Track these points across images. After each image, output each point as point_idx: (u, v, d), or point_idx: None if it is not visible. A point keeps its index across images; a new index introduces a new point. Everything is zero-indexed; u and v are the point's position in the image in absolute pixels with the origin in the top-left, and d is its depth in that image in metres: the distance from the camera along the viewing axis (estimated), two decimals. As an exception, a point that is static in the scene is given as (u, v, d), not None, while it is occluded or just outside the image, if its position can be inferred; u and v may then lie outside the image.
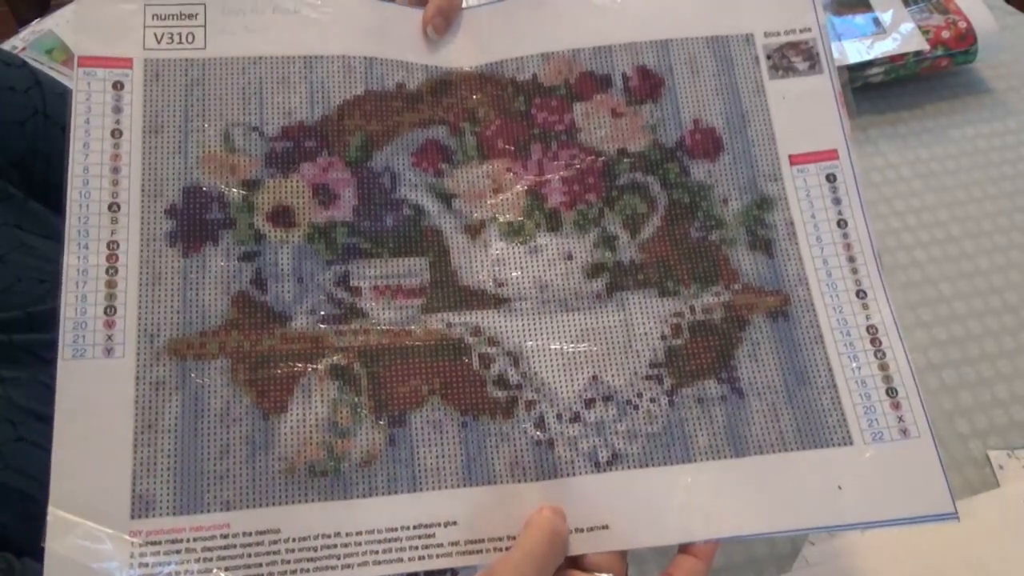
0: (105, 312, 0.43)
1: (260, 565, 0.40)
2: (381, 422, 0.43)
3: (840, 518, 0.42)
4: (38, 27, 0.99)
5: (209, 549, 0.40)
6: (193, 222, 0.45)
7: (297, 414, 0.42)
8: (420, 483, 0.42)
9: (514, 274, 0.46)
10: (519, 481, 0.42)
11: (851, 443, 0.43)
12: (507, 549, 0.41)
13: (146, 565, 0.39)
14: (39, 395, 0.56)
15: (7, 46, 0.96)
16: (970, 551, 0.57)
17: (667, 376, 0.44)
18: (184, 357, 0.43)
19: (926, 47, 0.85)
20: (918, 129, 0.86)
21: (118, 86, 0.46)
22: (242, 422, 0.42)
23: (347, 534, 0.41)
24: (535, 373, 0.44)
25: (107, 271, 0.43)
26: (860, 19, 0.87)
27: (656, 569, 0.57)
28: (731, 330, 0.45)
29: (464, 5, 0.51)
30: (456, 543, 0.41)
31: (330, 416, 0.42)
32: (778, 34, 0.50)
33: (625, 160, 0.48)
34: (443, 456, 0.42)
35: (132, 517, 0.40)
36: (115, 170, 0.44)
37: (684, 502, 0.42)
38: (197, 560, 0.40)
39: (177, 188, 0.45)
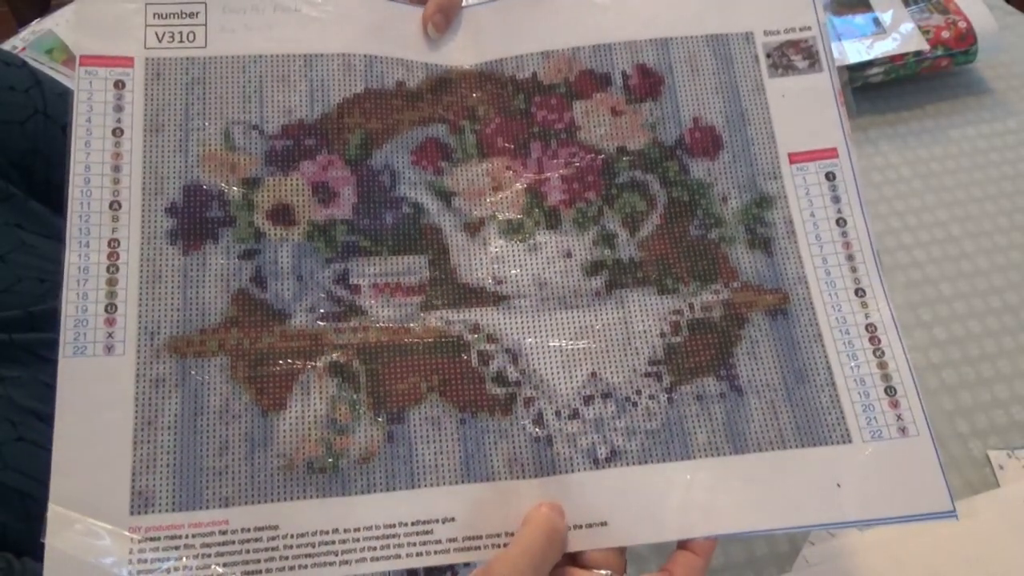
0: (106, 310, 0.43)
1: (258, 561, 0.40)
2: (380, 419, 0.43)
3: (839, 515, 0.42)
4: (38, 27, 0.99)
5: (207, 545, 0.40)
6: (193, 220, 0.45)
7: (296, 411, 0.43)
8: (418, 480, 0.42)
9: (513, 272, 0.46)
10: (517, 478, 0.42)
11: (850, 441, 0.43)
12: (505, 546, 0.41)
13: (144, 561, 0.39)
14: (39, 394, 0.56)
15: (7, 46, 0.96)
16: (970, 551, 0.57)
17: (666, 373, 0.44)
18: (184, 355, 0.43)
19: (926, 47, 0.85)
20: (918, 129, 0.86)
21: (119, 85, 0.46)
22: (241, 419, 0.42)
23: (345, 530, 0.41)
24: (534, 370, 0.44)
25: (108, 269, 0.43)
26: (860, 19, 0.87)
27: (655, 566, 0.57)
28: (730, 328, 0.46)
29: (464, 3, 0.51)
30: (454, 539, 0.41)
31: (329, 413, 0.43)
32: (778, 32, 0.50)
33: (624, 158, 0.48)
34: (441, 453, 0.43)
35: (131, 513, 0.40)
36: (116, 168, 0.45)
37: (683, 499, 0.42)
38: (195, 556, 0.40)
39: (178, 186, 0.45)
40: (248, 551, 0.40)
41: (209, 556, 0.40)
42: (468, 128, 0.48)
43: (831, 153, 0.48)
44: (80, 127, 0.45)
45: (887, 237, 0.77)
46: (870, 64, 0.85)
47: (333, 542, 0.41)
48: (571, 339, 0.45)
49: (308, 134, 0.47)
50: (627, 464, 0.43)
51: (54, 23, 0.99)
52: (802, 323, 0.46)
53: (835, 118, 0.49)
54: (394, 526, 0.41)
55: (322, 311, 0.44)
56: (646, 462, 0.43)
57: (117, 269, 0.43)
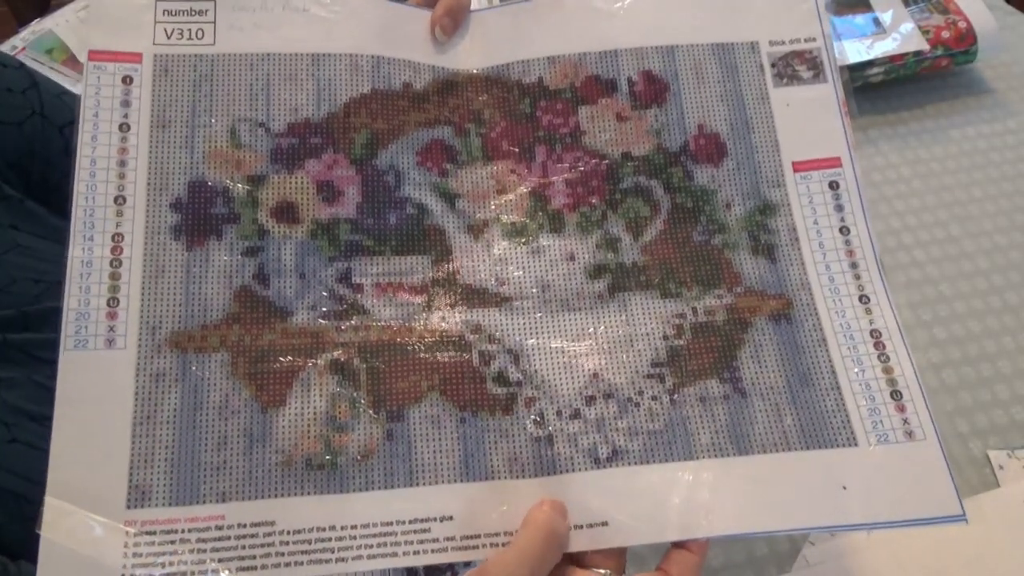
0: (108, 304, 0.43)
1: (254, 557, 0.40)
2: (379, 417, 0.43)
3: (845, 518, 0.42)
4: (38, 27, 0.99)
5: (203, 540, 0.40)
6: (197, 216, 0.45)
7: (295, 408, 0.43)
8: (417, 478, 0.42)
9: (516, 273, 0.46)
10: (517, 477, 0.42)
11: (856, 444, 0.43)
12: (503, 545, 0.41)
13: (140, 555, 0.39)
14: (33, 395, 0.56)
15: (7, 46, 0.96)
16: (970, 551, 0.57)
17: (669, 375, 0.44)
18: (185, 350, 0.43)
19: (926, 47, 0.85)
20: (918, 129, 0.86)
21: (127, 80, 0.46)
22: (240, 415, 0.42)
23: (342, 527, 0.41)
24: (535, 371, 0.44)
25: (111, 263, 0.44)
26: (860, 19, 0.87)
27: (655, 566, 0.57)
28: (733, 332, 0.46)
29: (472, 7, 0.51)
30: (452, 538, 0.41)
31: (328, 410, 0.43)
32: (783, 43, 0.51)
33: (629, 164, 0.49)
34: (440, 451, 0.43)
35: (128, 507, 0.40)
36: (122, 163, 0.45)
37: (685, 499, 0.42)
38: (191, 551, 0.40)
39: (183, 182, 0.45)
40: (244, 547, 0.40)
41: (205, 551, 0.40)
42: (473, 131, 0.49)
43: (835, 162, 0.49)
44: (87, 122, 0.45)
45: (887, 237, 0.77)
46: (870, 64, 0.85)
47: (330, 539, 0.40)
48: (573, 340, 0.45)
49: (314, 133, 0.47)
50: (629, 464, 0.43)
51: (54, 23, 0.99)
52: (806, 328, 0.46)
53: (839, 128, 0.49)
54: (391, 524, 0.41)
55: (324, 309, 0.45)
56: (648, 462, 0.43)
57: (120, 263, 0.44)
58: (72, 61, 0.95)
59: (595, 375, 0.44)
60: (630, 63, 0.50)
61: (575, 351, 0.45)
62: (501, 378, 0.44)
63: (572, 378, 0.44)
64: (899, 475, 0.43)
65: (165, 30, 0.47)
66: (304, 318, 0.44)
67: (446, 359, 0.44)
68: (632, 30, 0.51)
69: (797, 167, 0.49)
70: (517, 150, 0.48)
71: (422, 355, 0.44)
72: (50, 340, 0.42)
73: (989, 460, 0.62)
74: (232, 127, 0.46)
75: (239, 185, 0.46)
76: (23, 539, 0.48)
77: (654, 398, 0.44)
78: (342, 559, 0.40)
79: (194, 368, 0.43)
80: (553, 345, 0.45)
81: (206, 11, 0.48)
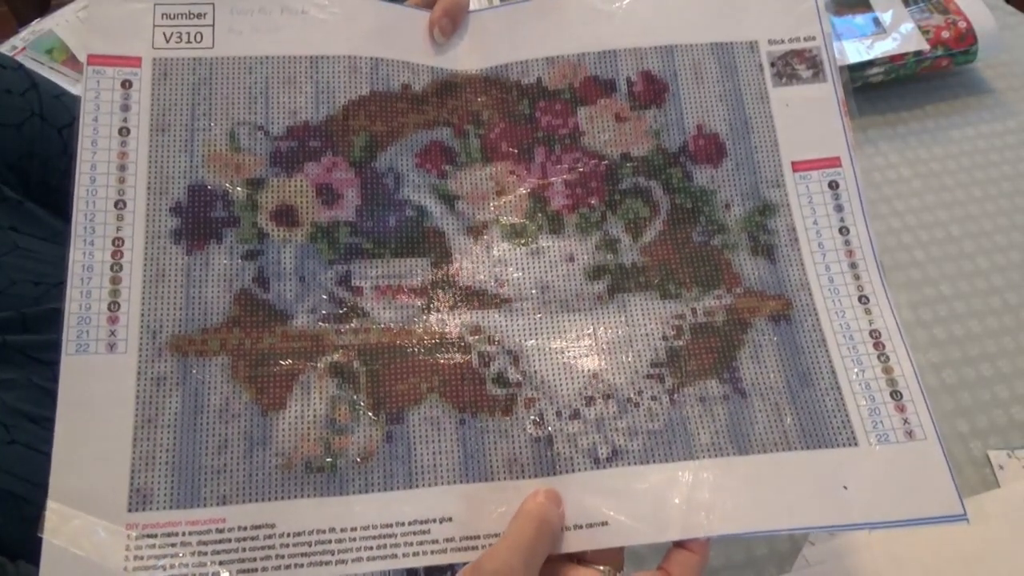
0: (109, 308, 0.43)
1: (254, 559, 0.40)
2: (379, 419, 0.43)
3: (845, 518, 0.42)
4: (38, 27, 0.99)
5: (204, 543, 0.40)
6: (197, 220, 0.45)
7: (295, 411, 0.43)
8: (416, 480, 0.42)
9: (515, 275, 0.46)
10: (517, 478, 0.42)
11: (856, 444, 0.43)
12: None
13: (141, 558, 0.39)
14: (32, 397, 0.56)
15: (7, 46, 0.96)
16: (970, 551, 0.57)
17: (668, 375, 0.45)
18: (186, 354, 0.43)
19: (926, 47, 0.85)
20: (918, 129, 0.86)
21: (126, 84, 0.46)
22: (241, 418, 0.42)
23: (342, 530, 0.41)
24: (535, 371, 0.44)
25: (112, 268, 0.44)
26: (860, 19, 0.87)
27: (654, 565, 0.57)
28: (733, 332, 0.46)
29: (470, 8, 0.51)
30: (451, 539, 0.41)
31: (328, 413, 0.43)
32: (782, 42, 0.51)
33: (628, 164, 0.49)
34: (440, 453, 0.43)
35: (129, 510, 0.40)
36: (122, 168, 0.45)
37: (686, 498, 0.42)
38: (192, 553, 0.40)
39: (182, 186, 0.45)
40: (244, 549, 0.40)
41: (205, 554, 0.40)
42: (472, 132, 0.49)
43: (834, 162, 0.48)
44: (87, 126, 0.45)
45: (887, 237, 0.77)
46: (870, 64, 0.85)
47: (330, 541, 0.41)
48: (572, 341, 0.45)
49: (313, 136, 0.47)
50: (628, 464, 0.43)
51: (54, 23, 0.99)
52: (805, 328, 0.46)
53: (838, 127, 0.49)
54: (391, 526, 0.41)
55: (324, 312, 0.45)
56: (648, 462, 0.43)
57: (121, 268, 0.44)
58: (72, 61, 0.95)
59: (594, 375, 0.44)
60: (629, 63, 0.50)
61: (575, 352, 0.45)
62: (501, 379, 0.44)
63: (571, 379, 0.44)
64: (900, 475, 0.43)
65: (164, 34, 0.47)
66: (304, 321, 0.45)
67: (445, 361, 0.44)
68: (631, 30, 0.51)
69: (796, 167, 0.49)
70: (516, 151, 0.49)
71: (422, 357, 0.44)
72: (50, 342, 0.42)
73: (989, 460, 0.62)
74: (231, 130, 0.47)
75: (238, 189, 0.46)
76: (23, 540, 0.48)
77: (654, 398, 0.44)
78: (342, 561, 0.40)
79: (195, 372, 0.43)
80: (552, 346, 0.45)
81: (204, 15, 0.48)
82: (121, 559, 0.39)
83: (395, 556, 0.41)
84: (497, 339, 0.45)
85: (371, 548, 0.41)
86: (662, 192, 0.48)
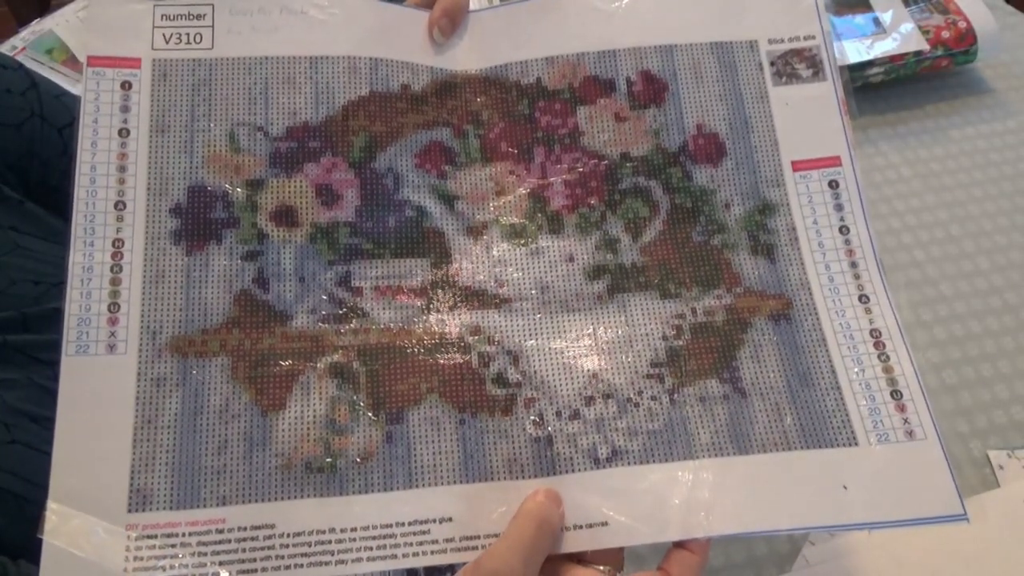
0: (109, 309, 0.43)
1: (254, 560, 0.40)
2: (379, 419, 0.43)
3: (846, 517, 0.42)
4: (38, 27, 0.99)
5: (204, 543, 0.40)
6: (197, 221, 0.45)
7: (295, 411, 0.43)
8: (416, 480, 0.42)
9: (515, 275, 0.46)
10: (516, 478, 0.42)
11: (856, 444, 0.43)
12: None
13: (141, 559, 0.40)
14: (33, 397, 0.56)
15: (7, 46, 0.96)
16: (970, 551, 0.57)
17: (668, 375, 0.45)
18: (185, 354, 0.43)
19: (926, 47, 0.85)
20: (918, 129, 0.86)
21: (126, 86, 0.46)
22: (240, 418, 0.43)
23: (342, 530, 0.41)
24: (535, 371, 0.44)
25: (112, 268, 0.44)
26: (860, 19, 0.87)
27: (654, 566, 0.57)
28: (733, 332, 0.46)
29: (470, 8, 0.51)
30: (451, 540, 0.41)
31: (328, 413, 0.43)
32: (782, 41, 0.51)
33: (628, 164, 0.49)
34: (440, 453, 0.43)
35: (129, 511, 0.41)
36: (122, 169, 0.45)
37: (685, 498, 0.42)
38: (192, 554, 0.40)
39: (182, 187, 0.46)
40: (244, 550, 0.40)
41: (205, 555, 0.40)
42: (472, 132, 0.49)
43: (834, 161, 0.49)
44: (87, 127, 0.45)
45: (887, 237, 0.77)
46: (870, 64, 0.85)
47: (329, 541, 0.41)
48: (572, 341, 0.45)
49: (312, 136, 0.47)
50: (628, 464, 0.43)
51: (54, 23, 0.99)
52: (805, 328, 0.46)
53: (838, 126, 0.49)
54: (391, 526, 0.41)
55: (323, 313, 0.45)
56: (648, 462, 0.43)
57: (121, 269, 0.44)
58: (72, 61, 0.95)
59: (594, 375, 0.44)
60: (628, 63, 0.50)
61: (574, 352, 0.45)
62: (500, 379, 0.44)
63: (571, 379, 0.44)
64: (900, 474, 0.43)
65: (164, 35, 0.47)
66: (304, 322, 0.45)
67: (445, 361, 0.45)
68: (630, 29, 0.51)
69: (796, 166, 0.49)
70: (516, 151, 0.49)
71: (421, 357, 0.45)
72: (50, 341, 0.42)
73: (989, 460, 0.62)
74: (231, 131, 0.47)
75: (238, 189, 0.46)
76: (23, 539, 0.48)
77: (653, 398, 0.44)
78: (341, 561, 0.40)
79: (194, 372, 0.43)
80: (552, 346, 0.45)
81: (204, 15, 0.48)
82: (121, 560, 0.39)
83: (395, 556, 0.41)
84: (497, 339, 0.45)
85: (371, 548, 0.41)
86: (662, 192, 0.48)
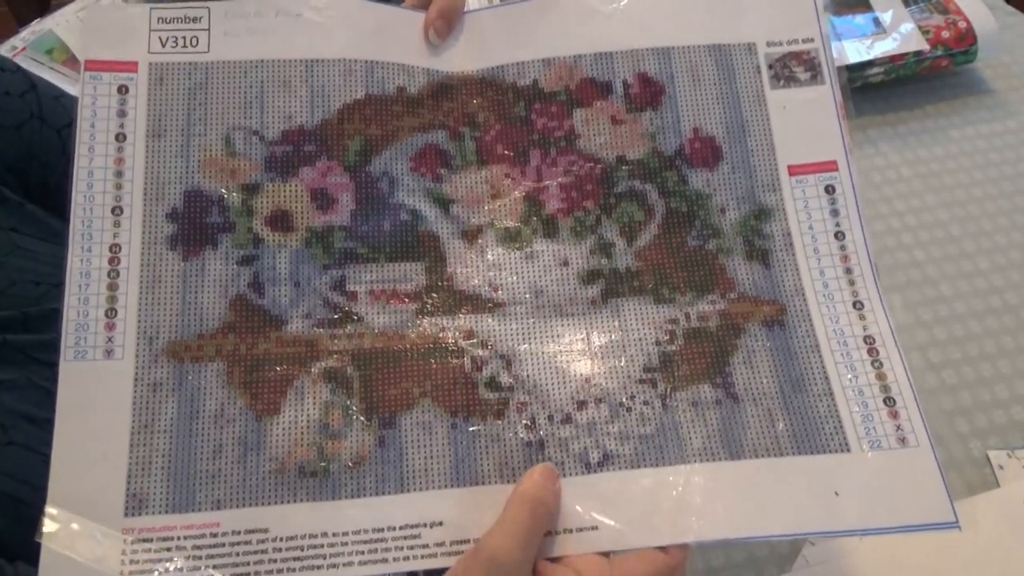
0: (106, 315, 0.44)
1: (248, 564, 0.41)
2: (371, 424, 0.43)
3: (837, 524, 0.42)
4: (38, 27, 0.99)
5: (199, 547, 0.41)
6: (193, 226, 0.46)
7: (289, 416, 0.43)
8: (408, 484, 0.42)
9: (510, 279, 0.47)
10: (508, 482, 0.42)
11: (848, 450, 0.43)
12: None
13: (137, 562, 0.40)
14: (32, 398, 0.56)
15: (7, 46, 0.96)
16: (970, 551, 0.57)
17: (661, 380, 0.45)
18: (181, 359, 0.44)
19: (926, 47, 0.85)
20: (918, 129, 0.86)
21: (123, 90, 0.47)
22: (235, 423, 0.43)
23: (334, 534, 0.41)
24: (527, 376, 0.45)
25: (108, 274, 0.44)
26: (860, 19, 0.87)
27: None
28: (726, 337, 0.46)
29: (466, 8, 0.51)
30: (442, 544, 0.41)
31: (321, 418, 0.43)
32: (780, 44, 0.50)
33: (624, 167, 0.49)
34: (432, 457, 0.43)
35: (126, 515, 0.41)
36: (119, 174, 0.46)
37: (676, 503, 0.42)
38: (187, 558, 0.40)
39: (178, 192, 0.46)
40: (238, 553, 0.41)
41: (200, 558, 0.40)
42: (468, 135, 0.49)
43: (831, 166, 0.48)
44: (84, 132, 0.46)
45: (887, 237, 0.77)
46: (870, 64, 0.85)
47: (322, 545, 0.41)
48: (566, 345, 0.45)
49: (308, 140, 0.47)
50: (619, 468, 0.43)
51: (54, 23, 0.99)
52: (799, 334, 0.46)
53: (836, 131, 0.49)
54: (382, 530, 0.41)
55: (318, 317, 0.45)
56: (639, 466, 0.43)
57: (118, 274, 0.44)
58: (72, 61, 0.95)
59: (587, 380, 0.44)
60: (625, 65, 0.50)
61: (567, 356, 0.45)
62: (493, 383, 0.44)
63: (564, 383, 0.44)
64: (892, 481, 0.43)
65: (160, 38, 0.47)
66: (298, 327, 0.45)
67: (438, 365, 0.45)
68: (628, 31, 0.51)
69: (793, 171, 0.48)
70: (511, 154, 0.49)
71: (414, 362, 0.45)
72: (50, 341, 0.42)
73: (989, 460, 0.62)
74: (227, 136, 0.47)
75: (234, 194, 0.46)
76: (21, 541, 0.48)
77: (646, 403, 0.44)
78: (333, 565, 0.41)
79: (190, 378, 0.43)
80: (545, 350, 0.45)
81: (200, 18, 0.48)
82: (117, 563, 0.40)
83: (385, 560, 0.41)
84: (490, 343, 0.45)
85: (362, 552, 0.41)
86: (657, 196, 0.48)
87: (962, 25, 0.86)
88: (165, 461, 0.42)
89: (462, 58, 0.50)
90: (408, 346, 0.45)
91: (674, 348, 0.45)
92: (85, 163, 0.45)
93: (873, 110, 0.88)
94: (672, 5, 0.51)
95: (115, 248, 0.44)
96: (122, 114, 0.46)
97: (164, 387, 0.43)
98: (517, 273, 0.47)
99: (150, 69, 0.47)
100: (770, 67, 0.50)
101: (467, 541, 0.41)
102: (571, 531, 0.41)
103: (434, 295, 0.46)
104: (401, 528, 0.41)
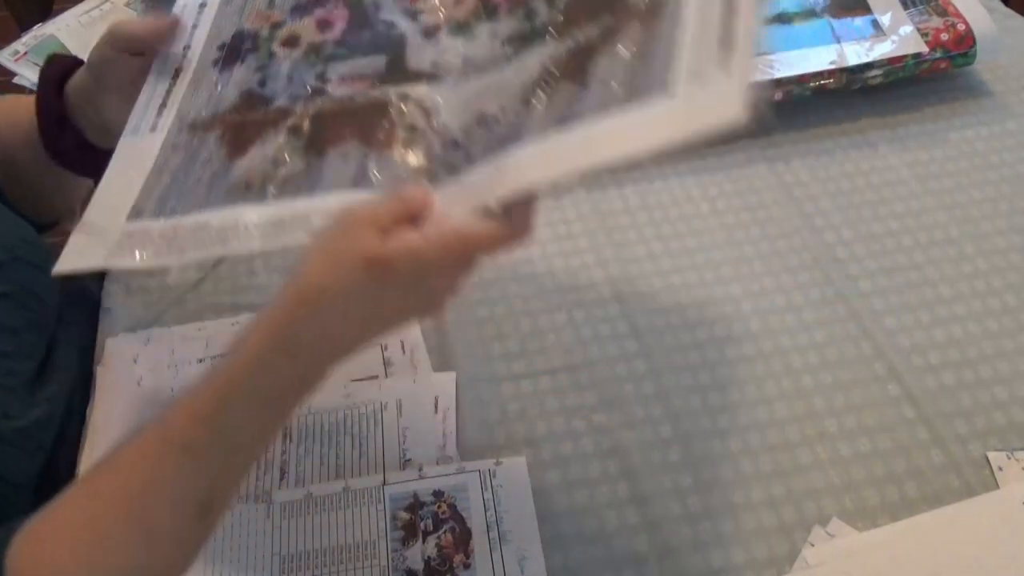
0: (160, 104, 0.61)
1: (193, 245, 0.52)
2: (307, 156, 0.53)
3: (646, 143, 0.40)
4: (40, 32, 1.00)
5: (165, 237, 0.54)
6: (233, 51, 0.61)
7: (252, 156, 0.55)
8: (317, 192, 0.51)
9: (452, 60, 0.54)
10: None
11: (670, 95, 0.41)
12: None
13: (124, 247, 0.54)
14: None
15: (9, 51, 0.96)
16: (970, 552, 0.58)
17: (535, 96, 0.46)
18: (196, 130, 0.58)
19: (925, 49, 0.85)
20: (917, 131, 0.86)
21: None
22: (213, 163, 0.56)
23: (246, 224, 0.52)
24: (441, 122, 0.51)
25: (169, 83, 0.61)
26: (859, 21, 0.87)
27: (656, 570, 0.58)
28: (602, 44, 0.46)
29: None
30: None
31: (275, 156, 0.54)
32: None
33: None
34: (342, 175, 0.51)
35: (127, 220, 0.56)
36: (195, 27, 0.63)
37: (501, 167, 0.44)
38: (158, 243, 0.54)
39: (230, 33, 0.62)
40: (190, 239, 0.53)
41: (166, 244, 0.53)
42: None
43: None
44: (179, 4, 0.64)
45: (886, 239, 0.77)
46: (869, 66, 0.85)
47: (237, 229, 0.52)
48: (473, 93, 0.51)
49: None
50: (479, 163, 0.46)
51: (56, 28, 1.00)
52: (666, 32, 0.44)
53: None
54: (283, 220, 0.51)
55: (298, 96, 0.56)
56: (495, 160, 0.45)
57: (175, 84, 0.61)
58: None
59: (481, 113, 0.49)
60: None
61: (469, 96, 0.51)
62: (410, 127, 0.52)
63: (461, 118, 0.50)
64: (701, 103, 0.40)
65: None
66: (282, 102, 0.57)
67: (373, 116, 0.53)
68: None
69: None
70: None
71: (357, 116, 0.54)
72: None
73: (988, 462, 0.62)
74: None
75: (264, 31, 0.61)
76: None
77: (516, 114, 0.47)
78: (245, 242, 0.51)
79: (197, 142, 0.57)
80: (456, 98, 0.51)
81: None
82: (111, 254, 0.54)
83: (282, 239, 0.50)
84: (416, 99, 0.53)
85: (267, 236, 0.51)
86: None
87: (960, 27, 0.86)
88: (161, 191, 0.56)
89: None
90: (355, 107, 0.55)
91: (557, 70, 0.47)
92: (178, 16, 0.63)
93: (872, 112, 0.88)
94: None
95: (178, 71, 0.62)
96: None
97: (180, 148, 0.58)
98: (458, 54, 0.54)
99: None
100: None
101: None
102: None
103: (389, 75, 0.55)
104: (299, 216, 0.51)
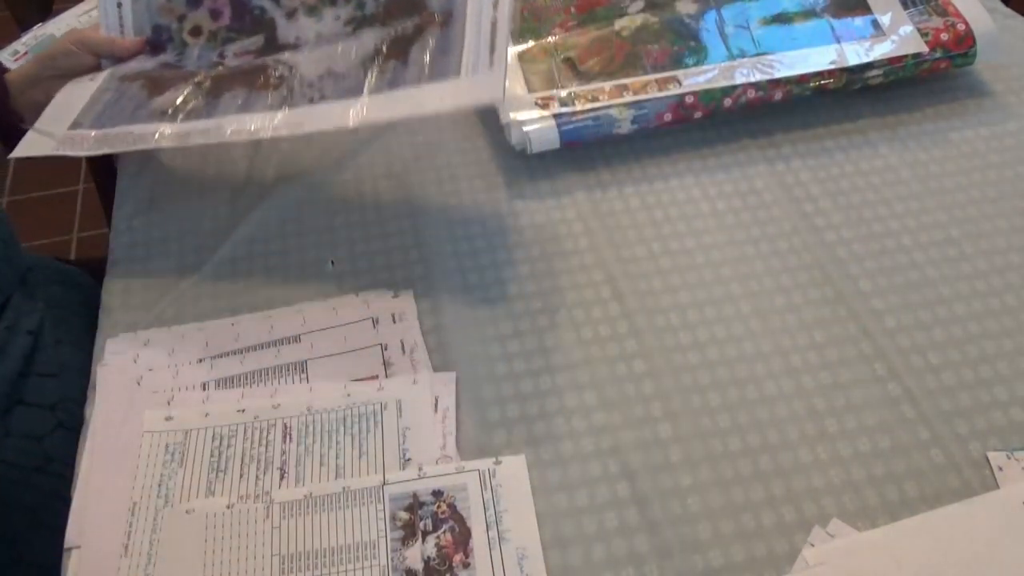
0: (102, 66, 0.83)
1: (114, 145, 0.75)
2: (207, 98, 0.75)
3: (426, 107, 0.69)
4: (40, 32, 1.00)
5: (98, 141, 0.75)
6: (156, 43, 0.83)
7: (166, 96, 0.76)
8: (212, 117, 0.73)
9: (308, 34, 0.79)
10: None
11: (459, 75, 0.68)
12: None
13: (66, 144, 0.76)
14: None
15: (9, 51, 0.96)
16: (970, 552, 0.57)
17: (371, 68, 0.72)
18: (124, 80, 0.80)
19: (925, 49, 0.85)
20: (917, 131, 0.87)
21: None
22: (136, 99, 0.77)
23: (162, 132, 0.74)
24: (300, 73, 0.75)
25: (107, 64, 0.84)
26: (859, 21, 0.87)
27: (656, 570, 0.58)
28: (415, 36, 0.72)
29: None
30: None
31: (185, 99, 0.75)
32: None
33: None
34: (231, 107, 0.74)
35: (67, 130, 0.76)
36: (121, 18, 0.84)
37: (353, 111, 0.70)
38: (86, 140, 0.75)
39: (149, 27, 0.84)
40: (115, 141, 0.75)
41: (97, 145, 0.75)
42: None
43: None
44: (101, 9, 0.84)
45: (886, 239, 0.77)
46: (869, 66, 0.85)
47: (154, 135, 0.74)
48: (325, 56, 0.75)
49: None
50: (328, 101, 0.72)
51: (56, 28, 1.00)
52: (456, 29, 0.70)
53: None
54: (190, 134, 0.73)
55: (202, 66, 0.80)
56: (340, 99, 0.71)
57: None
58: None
59: (329, 70, 0.74)
60: None
61: (323, 59, 0.75)
62: (279, 77, 0.75)
63: (315, 71, 0.75)
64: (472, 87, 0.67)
65: None
66: (191, 68, 0.80)
67: (255, 74, 0.76)
68: None
69: None
70: None
71: (244, 74, 0.77)
72: None
73: (988, 462, 0.62)
74: None
75: (174, 24, 0.83)
76: None
77: (356, 76, 0.72)
78: (158, 143, 0.73)
79: (125, 86, 0.79)
80: (311, 59, 0.76)
81: None
82: (59, 143, 0.76)
83: (188, 144, 0.73)
84: (283, 60, 0.77)
85: (174, 139, 0.73)
86: None
87: (961, 27, 0.86)
88: (96, 113, 0.77)
89: None
90: (245, 69, 0.77)
91: (385, 49, 0.73)
92: (105, 22, 0.83)
93: (872, 112, 0.88)
94: None
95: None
96: None
97: (111, 89, 0.79)
98: (312, 30, 0.79)
99: None
100: None
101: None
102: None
103: (266, 49, 0.80)
104: (199, 129, 0.73)
